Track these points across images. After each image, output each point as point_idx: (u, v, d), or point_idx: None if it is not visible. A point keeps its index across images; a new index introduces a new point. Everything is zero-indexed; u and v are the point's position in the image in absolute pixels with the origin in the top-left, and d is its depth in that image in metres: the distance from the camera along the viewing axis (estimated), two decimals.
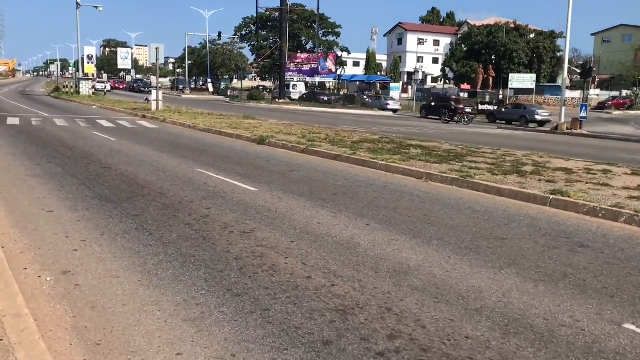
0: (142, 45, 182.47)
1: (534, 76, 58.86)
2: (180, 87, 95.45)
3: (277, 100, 55.36)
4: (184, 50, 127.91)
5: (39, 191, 8.80)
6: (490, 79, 54.21)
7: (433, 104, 40.50)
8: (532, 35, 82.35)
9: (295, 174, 11.60)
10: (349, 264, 5.72)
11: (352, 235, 6.87)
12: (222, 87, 79.03)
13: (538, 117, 37.30)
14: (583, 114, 30.85)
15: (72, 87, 45.36)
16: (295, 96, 61.57)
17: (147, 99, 37.79)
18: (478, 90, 53.33)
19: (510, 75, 58.64)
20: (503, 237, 7.04)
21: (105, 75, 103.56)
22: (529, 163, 13.59)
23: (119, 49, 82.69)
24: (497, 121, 39.28)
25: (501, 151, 16.26)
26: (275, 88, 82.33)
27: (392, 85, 75.67)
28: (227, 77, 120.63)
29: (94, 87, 45.02)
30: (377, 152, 14.64)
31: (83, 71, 47.67)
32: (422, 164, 12.65)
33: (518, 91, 60.74)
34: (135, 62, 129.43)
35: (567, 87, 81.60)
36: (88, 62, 63.03)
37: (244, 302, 4.63)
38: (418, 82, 59.63)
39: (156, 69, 29.65)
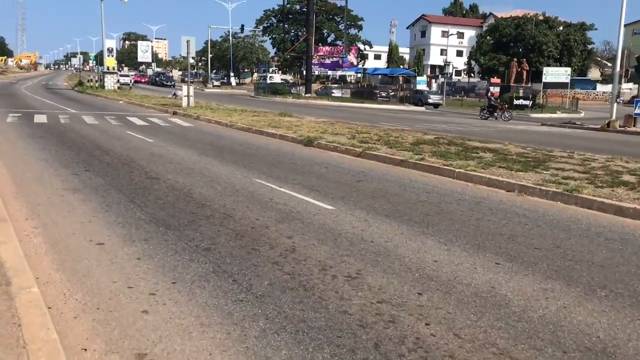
0: (161, 39, 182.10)
1: (569, 70, 56.52)
2: (193, 80, 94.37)
3: (303, 95, 53.80)
4: (205, 43, 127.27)
5: (82, 212, 7.39)
6: (524, 73, 52.02)
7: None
8: (560, 28, 79.57)
9: (365, 185, 10.09)
10: (515, 336, 4.20)
11: (489, 281, 5.34)
12: (249, 79, 77.72)
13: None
14: (638, 111, 28.87)
15: (96, 81, 44.17)
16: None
17: (174, 94, 36.53)
18: (511, 84, 51.14)
19: (544, 69, 56.39)
20: None
21: (125, 69, 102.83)
22: (622, 171, 11.92)
23: (139, 42, 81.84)
24: None
25: (579, 155, 14.57)
26: (294, 82, 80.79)
27: (418, 79, 73.57)
28: (247, 70, 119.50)
29: (118, 81, 43.80)
30: (445, 156, 13.08)
31: (104, 64, 46.42)
32: (505, 172, 11.06)
33: (549, 85, 58.56)
34: (155, 55, 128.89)
35: (598, 81, 79.40)
36: (109, 55, 61.99)
37: None
38: (448, 75, 57.59)
39: (187, 62, 28.25)
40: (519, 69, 51.79)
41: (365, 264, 5.68)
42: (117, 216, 7.24)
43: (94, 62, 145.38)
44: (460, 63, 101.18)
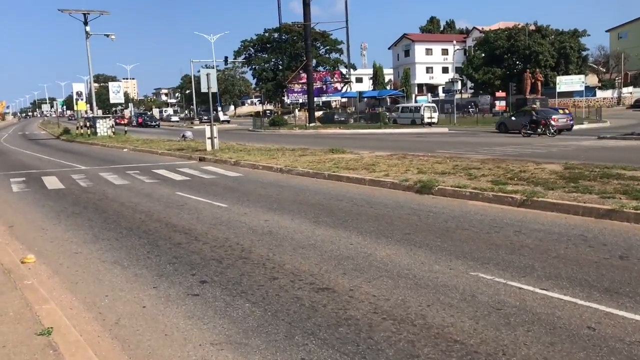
0: (129, 78, 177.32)
1: (582, 77, 54.13)
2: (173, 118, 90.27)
3: (307, 125, 50.18)
4: (182, 79, 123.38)
5: None
6: (539, 84, 49.21)
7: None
8: (552, 37, 77.71)
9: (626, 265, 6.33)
10: None
11: None
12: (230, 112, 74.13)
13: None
14: None
15: (88, 127, 39.69)
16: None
17: (183, 135, 32.57)
18: (527, 96, 48.22)
19: (558, 78, 54.01)
20: None
21: (99, 111, 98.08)
22: None
23: (110, 83, 76.85)
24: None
25: None
26: (276, 112, 77.30)
27: (418, 98, 70.63)
28: (229, 103, 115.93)
29: (112, 126, 39.48)
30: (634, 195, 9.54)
31: (94, 109, 42.19)
32: None
33: (563, 94, 55.97)
34: (126, 95, 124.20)
35: (597, 87, 77.49)
36: (79, 99, 57.67)
37: None
38: (456, 92, 54.60)
39: (209, 97, 24.38)
40: (533, 80, 48.95)
41: None
42: None
43: (63, 107, 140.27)
44: (445, 80, 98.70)
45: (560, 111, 36.39)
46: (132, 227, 9.56)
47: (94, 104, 41.06)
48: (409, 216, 9.75)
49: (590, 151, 20.45)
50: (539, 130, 31.99)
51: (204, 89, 23.10)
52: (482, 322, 4.95)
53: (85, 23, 38.61)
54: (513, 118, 37.38)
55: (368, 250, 7.51)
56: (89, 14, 38.49)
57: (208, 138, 23.08)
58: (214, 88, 23.11)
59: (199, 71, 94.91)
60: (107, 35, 39.47)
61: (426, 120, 45.81)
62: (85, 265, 7.24)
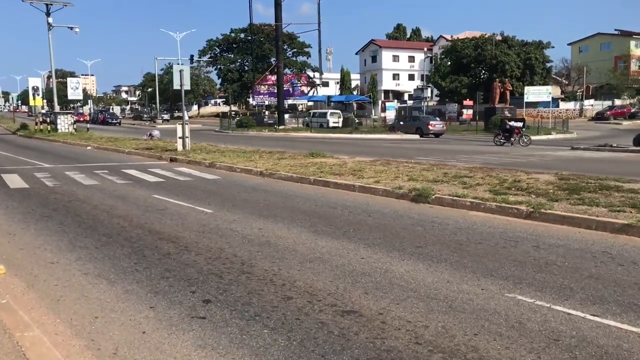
0: (88, 75, 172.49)
1: (550, 88, 54.93)
2: (144, 116, 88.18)
3: (277, 127, 49.32)
4: (144, 77, 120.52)
5: None
6: (507, 93, 49.55)
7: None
8: (517, 47, 78.88)
9: None
10: None
11: None
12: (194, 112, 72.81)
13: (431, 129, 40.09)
14: None
15: (48, 123, 37.78)
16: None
17: (150, 134, 31.32)
18: (496, 105, 48.48)
19: (526, 88, 54.62)
20: None
21: (57, 107, 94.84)
22: None
23: (69, 79, 73.84)
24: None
25: None
26: (244, 114, 76.19)
27: (387, 104, 70.50)
28: (192, 103, 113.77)
29: (74, 122, 37.69)
30: None
31: (54, 104, 40.30)
32: None
33: (530, 105, 56.65)
34: (84, 91, 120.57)
35: (559, 99, 79.05)
36: (34, 94, 55.39)
37: None
38: (428, 99, 54.60)
39: (181, 94, 23.29)
40: (502, 89, 49.29)
41: None
42: None
43: (19, 102, 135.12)
44: (412, 87, 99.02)
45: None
46: (111, 233, 8.61)
47: (55, 99, 39.14)
48: (413, 227, 9.12)
49: (571, 162, 20.28)
50: (512, 139, 31.99)
51: (176, 86, 22.05)
52: (545, 357, 4.30)
53: (48, 14, 36.84)
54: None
55: (383, 265, 6.82)
56: (52, 4, 36.74)
57: (179, 137, 22.03)
58: (187, 85, 22.11)
59: (162, 69, 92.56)
60: (71, 28, 37.78)
61: (331, 124, 50.06)
62: (65, 278, 6.31)
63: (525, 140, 31.91)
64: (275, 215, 10.10)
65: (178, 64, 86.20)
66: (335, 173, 15.16)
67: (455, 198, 11.09)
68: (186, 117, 74.04)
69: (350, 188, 13.30)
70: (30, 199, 11.88)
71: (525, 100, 51.99)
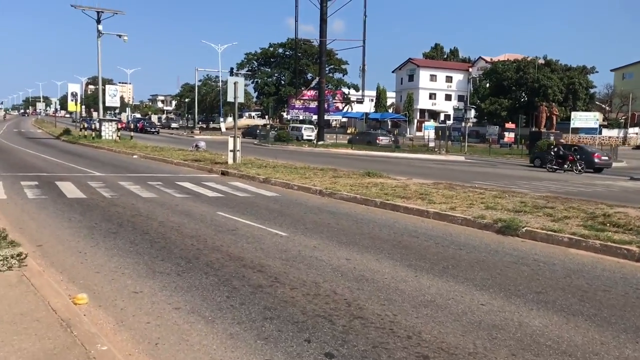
0: (126, 83, 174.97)
1: (597, 114, 53.28)
2: (173, 125, 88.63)
3: (316, 142, 48.73)
4: (181, 87, 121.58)
5: None
6: (554, 118, 48.16)
7: (558, 150, 31.26)
8: (560, 72, 77.21)
9: None
10: None
11: None
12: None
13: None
14: None
15: (93, 129, 37.68)
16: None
17: (196, 145, 30.86)
18: (542, 130, 47.12)
19: (573, 113, 53.16)
20: None
21: (95, 114, 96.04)
22: None
23: (107, 86, 74.52)
24: None
25: None
26: (282, 128, 75.92)
27: (426, 124, 69.44)
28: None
29: (118, 129, 37.58)
30: None
31: (99, 110, 40.35)
32: None
33: (576, 130, 55.16)
34: (121, 99, 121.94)
35: (602, 126, 77.01)
36: (71, 100, 55.84)
37: None
38: (468, 120, 53.47)
39: (234, 107, 22.76)
40: (549, 114, 47.90)
41: None
42: None
43: (57, 106, 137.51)
44: (449, 107, 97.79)
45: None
46: (188, 257, 7.89)
47: (100, 106, 39.15)
48: (517, 265, 8.20)
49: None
50: (566, 166, 30.74)
51: (230, 98, 21.49)
52: None
53: (98, 21, 36.97)
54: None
55: (510, 315, 5.93)
56: (102, 12, 36.90)
57: (230, 151, 21.43)
58: (241, 98, 21.54)
59: (200, 80, 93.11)
60: (120, 36, 37.82)
61: (305, 137, 53.89)
62: (155, 314, 5.57)
63: (580, 167, 30.59)
64: (355, 243, 9.28)
65: (218, 76, 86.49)
66: (401, 196, 14.30)
67: (549, 233, 10.12)
68: (236, 129, 74.29)
69: (423, 214, 12.42)
70: (92, 212, 11.27)
71: (572, 125, 50.55)
